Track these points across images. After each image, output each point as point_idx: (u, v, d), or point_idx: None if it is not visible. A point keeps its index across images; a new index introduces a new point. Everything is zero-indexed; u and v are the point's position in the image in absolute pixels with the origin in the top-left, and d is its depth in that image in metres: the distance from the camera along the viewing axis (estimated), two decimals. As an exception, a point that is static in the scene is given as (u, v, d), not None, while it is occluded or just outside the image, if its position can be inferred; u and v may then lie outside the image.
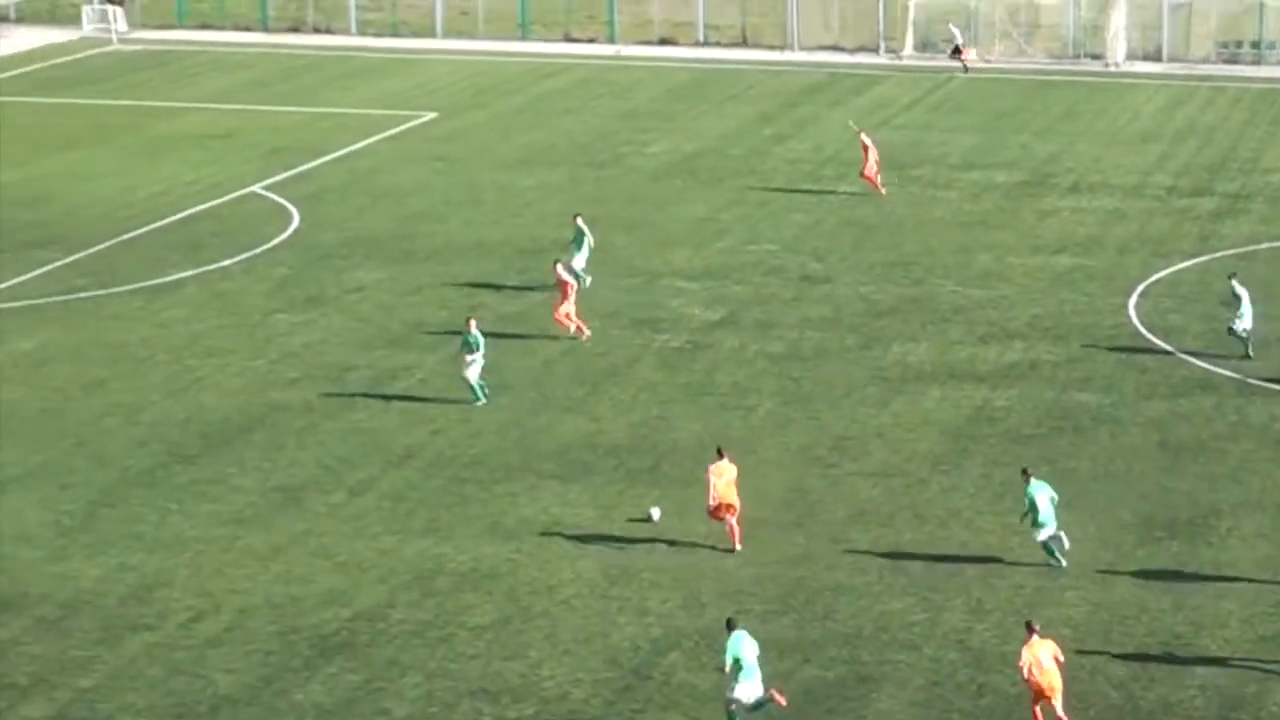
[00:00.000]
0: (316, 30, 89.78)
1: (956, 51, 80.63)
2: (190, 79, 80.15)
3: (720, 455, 36.05)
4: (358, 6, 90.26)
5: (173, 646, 32.41)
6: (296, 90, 77.62)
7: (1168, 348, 46.37)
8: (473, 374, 42.80)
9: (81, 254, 54.59)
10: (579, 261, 50.38)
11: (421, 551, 35.83)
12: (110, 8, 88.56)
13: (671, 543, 36.15)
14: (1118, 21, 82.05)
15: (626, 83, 78.93)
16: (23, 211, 59.19)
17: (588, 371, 45.31)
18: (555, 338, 47.25)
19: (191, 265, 53.45)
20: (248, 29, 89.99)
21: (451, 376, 44.48)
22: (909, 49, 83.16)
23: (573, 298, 46.65)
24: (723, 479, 35.50)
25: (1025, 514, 34.99)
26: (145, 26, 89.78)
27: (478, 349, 42.69)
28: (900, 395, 43.63)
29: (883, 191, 60.23)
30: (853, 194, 60.89)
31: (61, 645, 32.44)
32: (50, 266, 53.34)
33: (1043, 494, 34.78)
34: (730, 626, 29.85)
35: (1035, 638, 29.57)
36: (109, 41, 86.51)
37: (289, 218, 58.45)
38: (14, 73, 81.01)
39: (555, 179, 63.18)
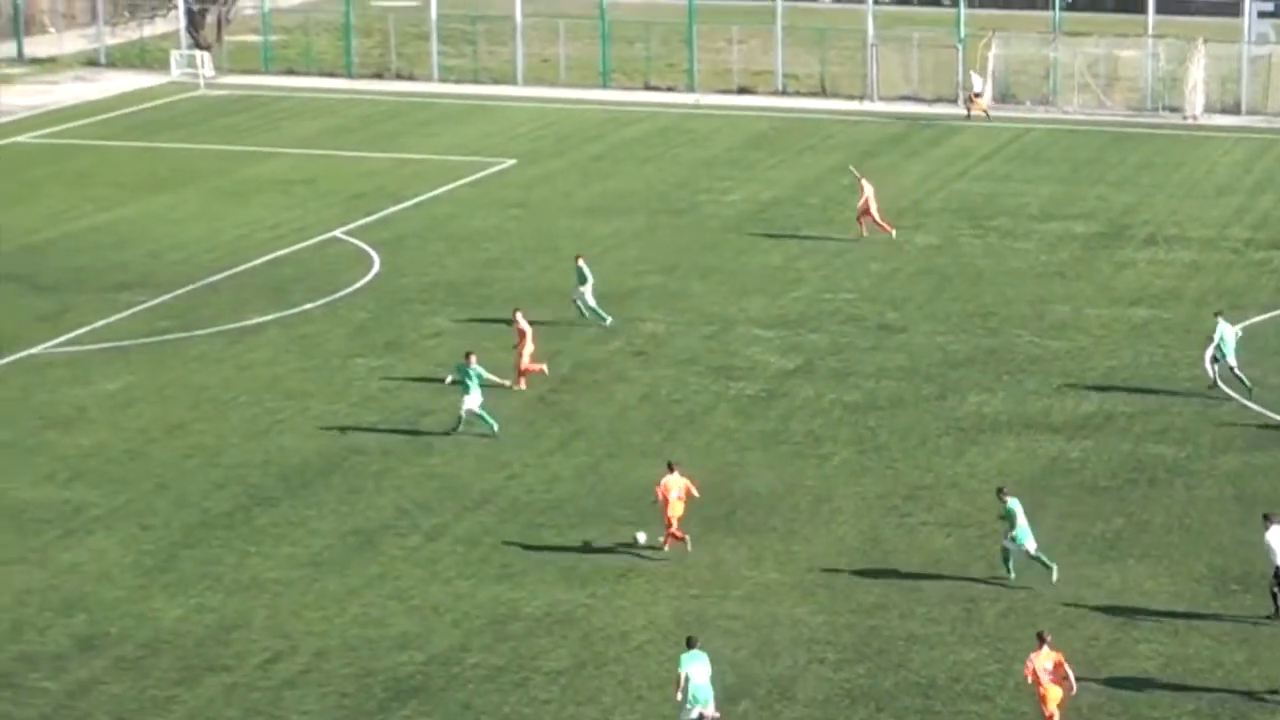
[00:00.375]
0: (399, 77, 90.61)
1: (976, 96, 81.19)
2: (275, 124, 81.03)
3: (670, 469, 37.67)
4: (440, 54, 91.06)
5: (250, 687, 32.77)
6: (379, 136, 78.36)
7: (1244, 400, 46.27)
8: (473, 403, 43.71)
9: (166, 296, 55.29)
10: (587, 298, 51.61)
11: (496, 596, 36.12)
12: (198, 53, 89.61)
13: (745, 590, 36.37)
14: (1196, 74, 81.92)
15: (705, 131, 79.32)
16: (110, 254, 59.99)
17: (664, 418, 45.58)
18: (631, 383, 47.63)
19: (273, 309, 54.06)
20: (332, 75, 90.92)
21: (529, 422, 44.89)
22: (988, 99, 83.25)
23: (527, 349, 46.99)
24: (674, 492, 37.48)
25: (1007, 527, 36.62)
26: (232, 71, 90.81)
27: (475, 382, 43.67)
28: (975, 446, 43.71)
29: (862, 233, 60.71)
30: (931, 245, 61.06)
31: (141, 685, 32.84)
32: (136, 309, 54.04)
33: (1019, 510, 36.49)
34: (689, 645, 30.95)
35: (1045, 648, 30.81)
36: (196, 86, 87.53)
37: (369, 262, 59.03)
38: (103, 117, 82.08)
39: (632, 226, 63.56)
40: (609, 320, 51.80)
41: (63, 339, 51.35)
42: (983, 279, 57.29)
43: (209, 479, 41.80)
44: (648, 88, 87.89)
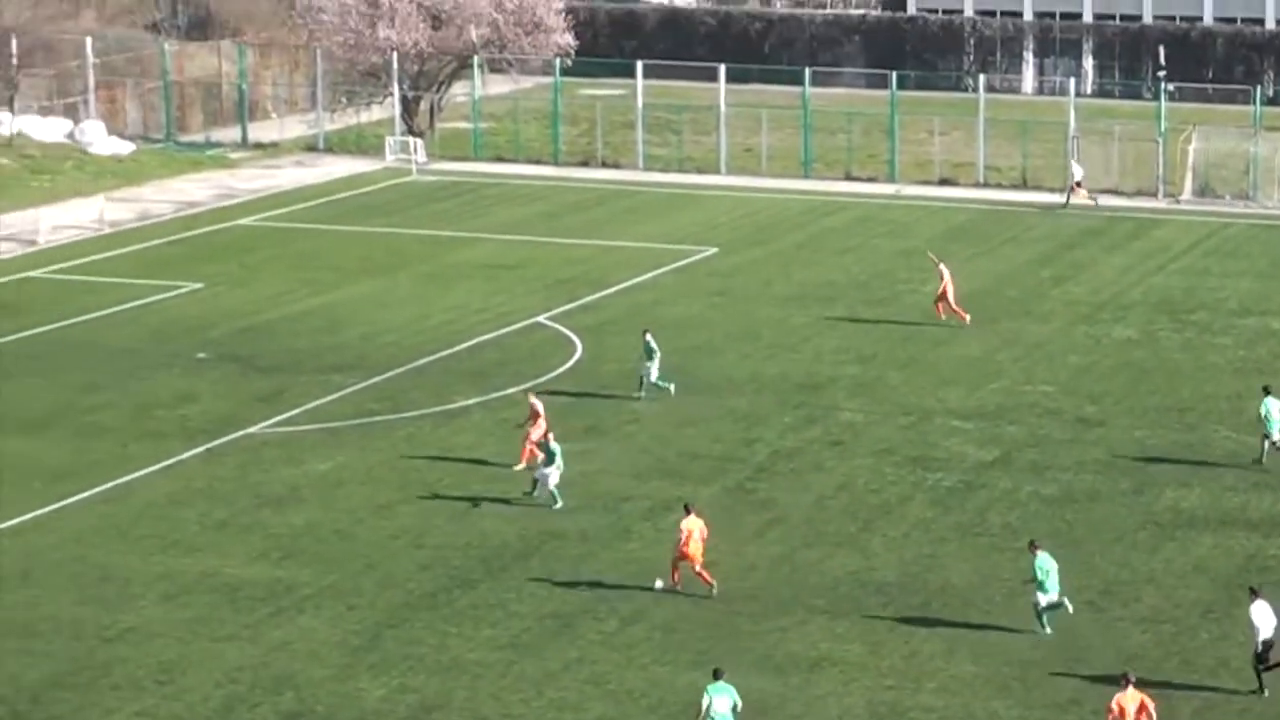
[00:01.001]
0: (605, 165, 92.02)
1: (1077, 185, 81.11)
2: (483, 210, 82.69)
3: (688, 511, 40.59)
4: (645, 142, 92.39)
5: (451, 765, 33.66)
6: (583, 223, 79.68)
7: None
8: (553, 480, 45.61)
9: (377, 378, 56.73)
10: (652, 373, 53.78)
11: (691, 683, 36.64)
12: (411, 139, 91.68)
13: (939, 682, 36.69)
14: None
15: (905, 221, 79.77)
16: (324, 336, 61.63)
17: (860, 508, 46.05)
18: (828, 472, 48.17)
19: (477, 392, 55.30)
20: (539, 162, 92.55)
21: (726, 508, 45.54)
22: (1187, 193, 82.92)
23: (541, 426, 47.99)
24: (694, 534, 39.76)
25: (1030, 580, 39.00)
26: (443, 158, 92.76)
27: (554, 460, 45.60)
28: (1172, 541, 43.72)
29: (962, 318, 61.73)
30: (1129, 338, 61.03)
31: (347, 759, 33.89)
32: (346, 390, 55.52)
33: (1050, 565, 38.46)
34: (716, 676, 33.08)
35: (1130, 688, 32.47)
36: (409, 172, 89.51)
37: (572, 348, 60.13)
38: (321, 201, 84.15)
39: (831, 315, 64.12)
40: (672, 387, 53.87)
41: (278, 419, 52.91)
42: (1181, 373, 57.18)
43: (413, 560, 42.92)
44: (849, 178, 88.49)
